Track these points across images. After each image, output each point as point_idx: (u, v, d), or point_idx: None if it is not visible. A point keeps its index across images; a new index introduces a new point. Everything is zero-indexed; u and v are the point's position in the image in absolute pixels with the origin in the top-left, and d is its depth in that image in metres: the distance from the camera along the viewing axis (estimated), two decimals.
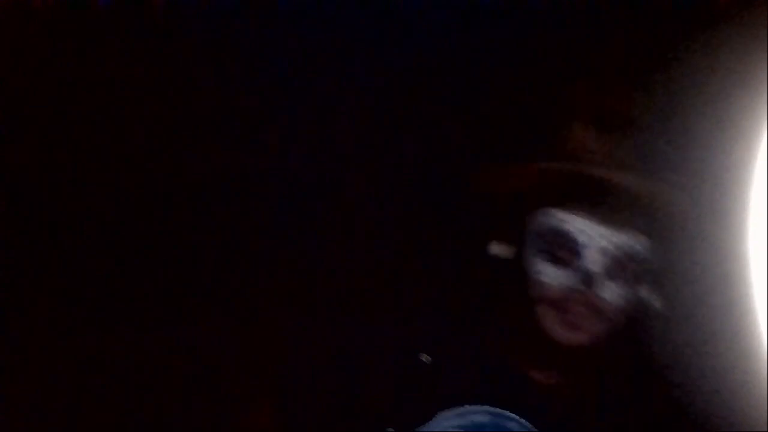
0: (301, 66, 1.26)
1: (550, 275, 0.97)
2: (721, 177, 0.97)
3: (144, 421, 1.16)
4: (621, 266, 0.97)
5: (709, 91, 1.03)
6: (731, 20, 0.97)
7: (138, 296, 1.25)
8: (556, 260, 0.97)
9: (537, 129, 1.05)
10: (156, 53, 1.26)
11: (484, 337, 1.03)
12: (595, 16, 1.16)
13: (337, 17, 1.25)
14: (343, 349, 0.94)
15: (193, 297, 1.25)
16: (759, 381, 0.89)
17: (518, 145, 1.03)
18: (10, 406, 1.17)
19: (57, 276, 1.24)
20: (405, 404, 0.91)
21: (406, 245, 1.26)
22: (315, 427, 0.92)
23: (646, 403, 1.05)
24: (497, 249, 1.01)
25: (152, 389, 1.18)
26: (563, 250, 0.97)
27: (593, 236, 0.96)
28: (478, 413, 0.96)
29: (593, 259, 0.96)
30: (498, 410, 0.96)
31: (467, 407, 0.95)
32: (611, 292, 0.97)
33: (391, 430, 0.90)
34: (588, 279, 0.95)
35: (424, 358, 0.93)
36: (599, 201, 0.97)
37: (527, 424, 0.97)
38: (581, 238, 0.96)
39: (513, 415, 0.97)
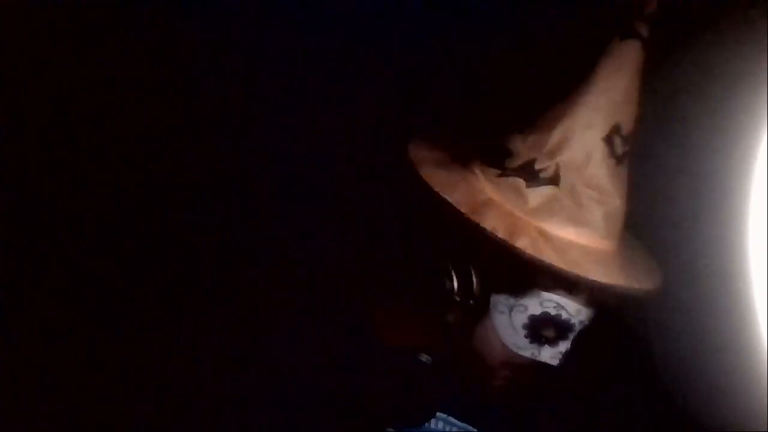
0: (301, 66, 1.26)
1: (527, 350, 0.91)
2: (721, 177, 0.98)
3: (144, 421, 1.16)
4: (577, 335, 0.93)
5: (709, 91, 1.03)
6: (731, 20, 0.97)
7: (138, 296, 1.25)
8: (542, 339, 0.91)
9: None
10: (156, 53, 1.26)
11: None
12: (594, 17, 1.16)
13: (336, 17, 1.25)
14: (343, 348, 0.94)
15: (193, 297, 1.25)
16: (759, 381, 0.89)
17: None
18: (9, 406, 1.17)
19: (57, 276, 1.24)
20: (405, 404, 0.91)
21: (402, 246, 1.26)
22: (315, 427, 0.92)
23: (644, 403, 1.05)
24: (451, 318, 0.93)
25: (152, 389, 1.18)
26: (551, 331, 0.91)
27: (583, 319, 0.91)
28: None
29: (571, 338, 0.91)
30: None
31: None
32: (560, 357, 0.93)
33: (391, 430, 0.90)
34: (557, 356, 0.91)
35: (424, 358, 0.93)
36: (594, 290, 0.89)
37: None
38: (574, 322, 0.91)
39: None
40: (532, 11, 1.20)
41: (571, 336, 0.90)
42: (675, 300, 1.04)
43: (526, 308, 0.90)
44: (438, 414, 0.94)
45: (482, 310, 0.91)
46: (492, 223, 0.84)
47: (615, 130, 0.88)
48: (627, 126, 0.89)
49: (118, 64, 1.25)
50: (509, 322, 0.90)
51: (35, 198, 1.23)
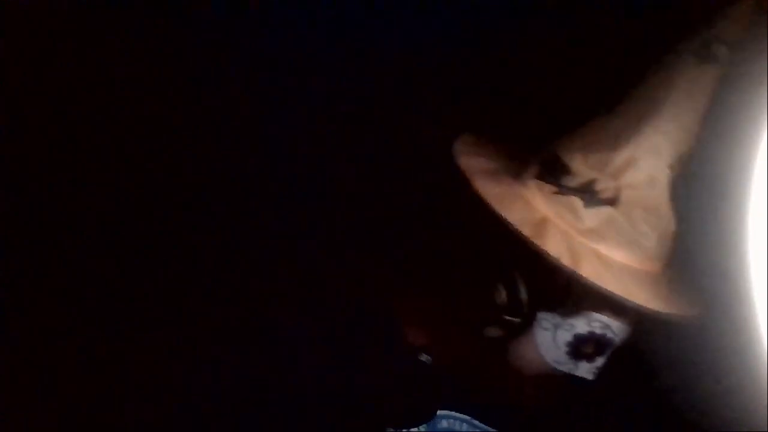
0: (301, 66, 1.26)
1: (565, 365, 0.93)
2: (720, 177, 0.98)
3: (144, 421, 1.16)
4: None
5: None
6: (731, 20, 0.97)
7: (138, 296, 1.25)
8: (581, 356, 0.93)
9: None
10: (156, 52, 1.26)
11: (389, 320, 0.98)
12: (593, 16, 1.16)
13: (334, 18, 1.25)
14: (343, 349, 0.94)
15: (194, 296, 1.25)
16: (759, 381, 0.89)
17: None
18: (9, 406, 1.17)
19: (57, 276, 1.24)
20: (405, 404, 0.91)
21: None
22: (315, 427, 0.92)
23: (644, 403, 1.05)
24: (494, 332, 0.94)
25: (153, 389, 1.18)
26: (592, 347, 0.93)
27: (624, 337, 0.93)
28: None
29: (608, 354, 0.93)
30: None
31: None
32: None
33: (391, 430, 0.90)
34: (590, 372, 0.93)
35: (424, 358, 0.93)
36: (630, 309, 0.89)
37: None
38: (616, 340, 0.93)
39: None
40: (582, 13, 1.20)
41: (609, 351, 0.92)
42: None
43: (572, 327, 0.91)
44: (453, 413, 0.94)
45: (527, 327, 0.91)
46: (555, 249, 0.82)
47: (681, 158, 0.87)
48: (690, 152, 0.89)
49: (117, 63, 1.25)
50: (552, 339, 0.91)
51: (35, 198, 1.23)
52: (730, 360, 0.95)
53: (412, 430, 0.92)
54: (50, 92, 1.23)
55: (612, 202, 0.86)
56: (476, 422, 0.94)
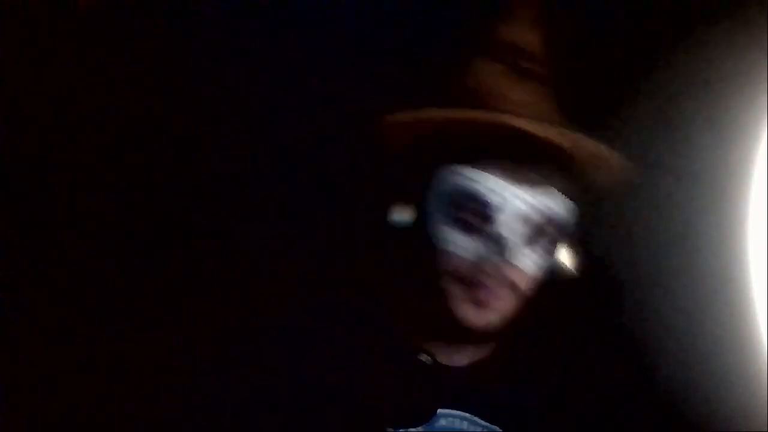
0: (301, 66, 1.26)
1: (458, 244, 0.87)
2: (721, 177, 0.98)
3: (144, 421, 1.16)
4: (539, 231, 0.88)
5: (709, 91, 1.03)
6: (731, 20, 0.97)
7: (137, 296, 1.25)
8: (464, 226, 0.87)
9: (441, 71, 0.97)
10: (156, 53, 1.26)
11: (389, 319, 0.96)
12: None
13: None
14: (343, 348, 0.94)
15: (193, 296, 1.25)
16: (759, 381, 0.89)
17: (420, 89, 0.94)
18: (9, 406, 1.17)
19: (57, 276, 1.24)
20: (405, 404, 0.91)
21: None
22: (315, 427, 0.92)
23: (644, 403, 1.05)
24: (399, 215, 0.91)
25: (153, 389, 1.18)
26: (472, 215, 0.87)
27: (507, 197, 0.86)
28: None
29: (507, 225, 0.86)
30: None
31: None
32: (527, 262, 0.88)
33: (391, 430, 0.90)
34: (500, 247, 0.85)
35: (424, 358, 0.93)
36: (515, 156, 0.87)
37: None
38: (493, 200, 0.86)
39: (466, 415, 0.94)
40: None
41: (503, 220, 0.86)
42: (675, 300, 1.04)
43: (445, 185, 0.88)
44: (452, 411, 0.94)
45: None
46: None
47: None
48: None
49: (117, 64, 1.25)
50: (440, 219, 0.88)
51: (35, 198, 1.23)
52: (730, 360, 0.95)
53: (411, 430, 0.92)
54: (50, 92, 1.23)
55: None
56: (477, 419, 0.94)
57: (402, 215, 0.91)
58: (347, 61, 1.23)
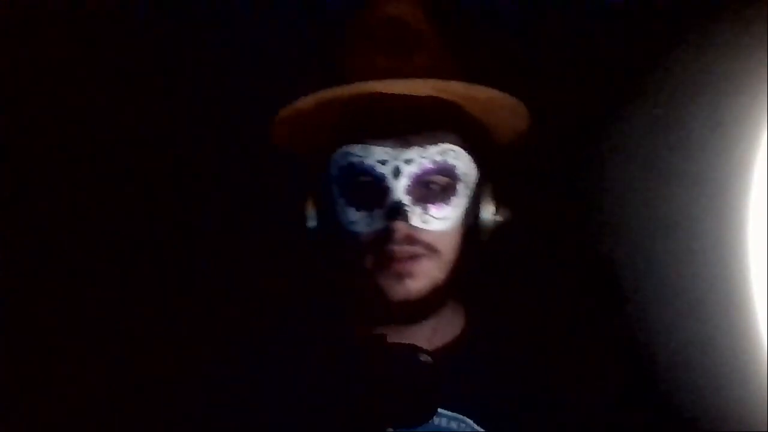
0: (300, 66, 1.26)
1: (362, 222, 0.87)
2: (720, 177, 0.98)
3: (143, 421, 1.16)
4: (442, 188, 0.88)
5: (709, 91, 1.03)
6: (731, 20, 0.97)
7: (137, 297, 1.25)
8: (364, 203, 0.87)
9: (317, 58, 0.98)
10: (156, 53, 1.26)
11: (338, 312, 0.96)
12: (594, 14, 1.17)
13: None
14: (343, 348, 0.94)
15: (192, 296, 1.25)
16: (759, 381, 0.89)
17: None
18: (9, 406, 1.17)
19: (57, 276, 1.24)
20: (405, 404, 0.91)
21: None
22: (315, 427, 0.92)
23: (644, 403, 1.05)
24: (312, 219, 0.91)
25: (152, 389, 1.18)
26: (369, 190, 0.87)
27: (398, 164, 0.86)
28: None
29: (403, 190, 0.86)
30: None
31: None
32: (434, 221, 0.87)
33: (391, 430, 0.90)
34: (401, 214, 0.85)
35: (424, 358, 0.93)
36: (395, 120, 0.87)
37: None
38: (384, 170, 0.86)
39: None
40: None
41: (399, 186, 0.86)
42: (675, 300, 1.04)
43: (337, 169, 0.88)
44: (446, 412, 0.94)
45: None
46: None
47: None
48: None
49: (117, 65, 1.25)
50: (341, 203, 0.88)
51: (35, 198, 1.23)
52: (730, 360, 0.95)
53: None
54: (50, 93, 1.23)
55: None
56: (468, 420, 0.93)
57: (312, 220, 0.91)
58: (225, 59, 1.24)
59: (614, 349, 1.10)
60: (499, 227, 0.93)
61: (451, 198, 0.89)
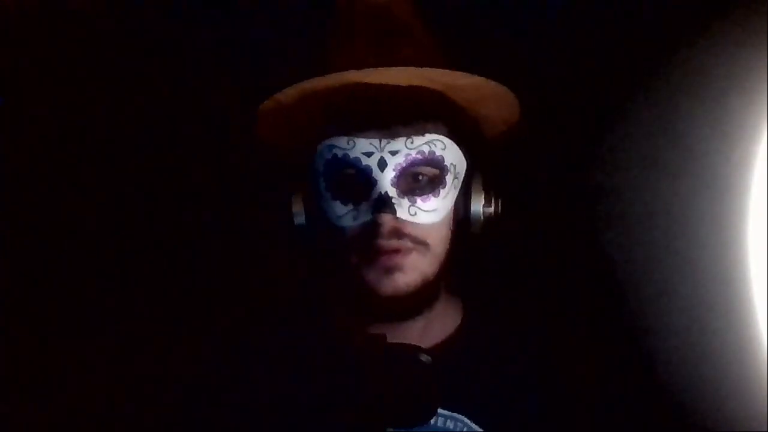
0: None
1: (348, 216, 0.85)
2: (720, 177, 0.98)
3: (142, 421, 1.16)
4: (429, 179, 0.86)
5: (709, 91, 1.03)
6: (731, 20, 0.97)
7: (137, 297, 1.25)
8: (350, 197, 0.85)
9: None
10: (156, 53, 1.26)
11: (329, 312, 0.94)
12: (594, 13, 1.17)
13: None
14: (343, 348, 0.94)
15: (191, 295, 1.25)
16: (759, 381, 0.89)
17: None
18: (10, 406, 1.17)
19: (55, 276, 1.24)
20: (405, 404, 0.91)
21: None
22: (315, 427, 0.92)
23: (644, 403, 1.05)
24: (299, 216, 0.89)
25: (151, 389, 1.18)
26: (354, 183, 0.84)
27: (383, 155, 0.83)
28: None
29: (389, 182, 0.83)
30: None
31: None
32: (421, 213, 0.85)
33: (391, 430, 0.90)
34: (388, 207, 0.82)
35: (424, 358, 0.93)
36: (378, 111, 0.84)
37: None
38: (369, 163, 0.83)
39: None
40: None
41: (384, 178, 0.83)
42: (674, 300, 1.04)
43: (322, 163, 0.86)
44: (442, 411, 0.94)
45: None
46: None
47: None
48: None
49: (117, 65, 1.25)
50: (327, 197, 0.86)
51: (35, 198, 1.23)
52: (730, 360, 0.95)
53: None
54: (50, 93, 1.23)
55: None
56: (465, 419, 0.93)
57: (300, 216, 0.89)
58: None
59: (613, 348, 1.10)
60: (492, 221, 0.91)
61: (440, 189, 0.86)
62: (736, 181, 0.94)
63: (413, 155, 0.84)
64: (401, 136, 0.84)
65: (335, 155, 0.85)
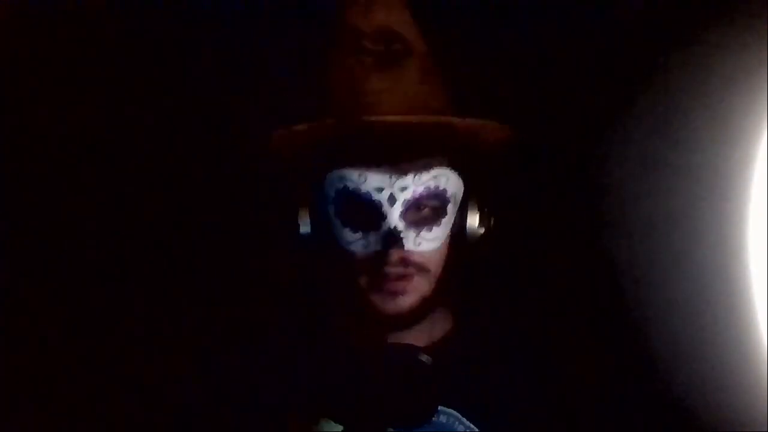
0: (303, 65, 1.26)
1: (357, 243, 0.90)
2: (720, 177, 0.98)
3: (141, 421, 1.16)
4: (433, 212, 0.91)
5: (709, 91, 1.03)
6: (731, 20, 0.97)
7: (137, 295, 1.25)
8: (359, 226, 0.90)
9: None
10: (156, 53, 1.26)
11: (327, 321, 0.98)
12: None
13: None
14: (343, 348, 0.94)
15: (191, 295, 1.25)
16: (759, 381, 0.89)
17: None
18: (9, 406, 1.17)
19: (56, 277, 1.24)
20: (405, 404, 0.91)
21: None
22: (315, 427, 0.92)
23: (644, 403, 1.05)
24: (305, 226, 0.94)
25: (150, 390, 1.18)
26: (364, 215, 0.90)
27: (393, 191, 0.89)
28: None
29: (398, 216, 0.89)
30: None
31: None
32: (426, 243, 0.91)
33: (391, 430, 0.90)
34: (396, 239, 0.88)
35: (424, 358, 0.93)
36: (389, 148, 0.89)
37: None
38: (380, 197, 0.89)
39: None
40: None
41: (394, 212, 0.89)
42: (674, 300, 1.04)
43: (333, 191, 0.90)
44: (446, 410, 0.94)
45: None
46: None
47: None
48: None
49: (116, 66, 1.25)
50: (336, 223, 0.91)
51: (35, 198, 1.23)
52: (730, 360, 0.95)
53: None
54: (49, 94, 1.23)
55: None
56: (459, 416, 0.94)
57: (306, 226, 0.94)
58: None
59: (612, 348, 1.10)
60: (487, 236, 0.97)
61: (441, 219, 0.92)
62: (736, 181, 0.94)
63: (420, 191, 0.90)
64: (410, 172, 0.90)
65: (346, 187, 0.90)
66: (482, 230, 0.96)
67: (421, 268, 0.92)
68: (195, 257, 1.26)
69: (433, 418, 0.92)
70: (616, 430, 1.00)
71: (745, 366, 0.92)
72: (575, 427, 0.97)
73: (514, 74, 1.21)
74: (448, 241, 0.94)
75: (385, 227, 0.89)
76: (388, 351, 0.91)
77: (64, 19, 1.22)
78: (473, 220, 0.96)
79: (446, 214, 0.93)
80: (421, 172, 0.90)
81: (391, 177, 0.89)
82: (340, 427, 0.89)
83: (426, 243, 0.91)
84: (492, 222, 0.97)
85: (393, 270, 0.90)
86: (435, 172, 0.91)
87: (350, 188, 0.90)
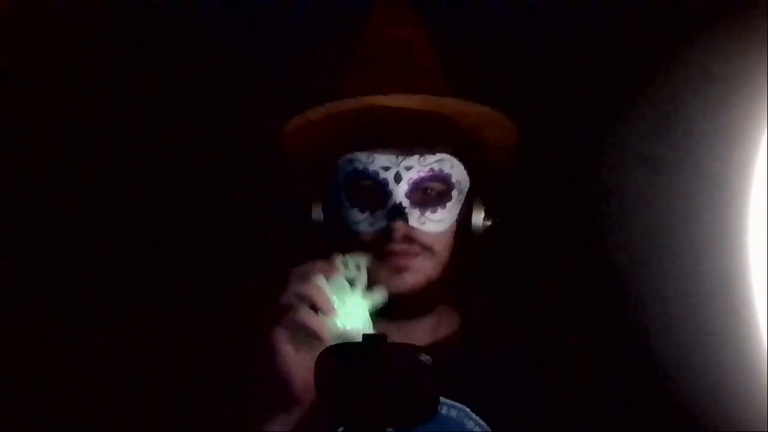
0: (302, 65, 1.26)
1: (364, 222, 0.95)
2: (720, 177, 0.98)
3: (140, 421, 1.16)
4: (438, 194, 0.96)
5: (709, 91, 1.03)
6: (731, 20, 0.97)
7: (137, 294, 1.25)
8: (367, 205, 0.95)
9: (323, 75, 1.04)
10: (156, 53, 1.26)
11: None
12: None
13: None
14: (343, 347, 0.94)
15: (191, 295, 1.25)
16: (759, 381, 0.89)
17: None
18: (9, 406, 1.17)
19: (55, 277, 1.24)
20: (405, 404, 0.91)
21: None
22: (314, 427, 0.92)
23: (644, 403, 1.05)
24: (317, 213, 0.99)
25: (150, 390, 1.18)
26: (372, 193, 0.95)
27: (399, 171, 0.94)
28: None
29: (404, 194, 0.94)
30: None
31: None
32: (430, 224, 0.95)
33: (391, 430, 0.90)
34: (402, 216, 0.93)
35: (424, 358, 0.93)
36: (397, 131, 0.95)
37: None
38: (387, 176, 0.94)
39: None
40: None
41: (400, 190, 0.94)
42: (675, 300, 1.04)
43: (343, 173, 0.96)
44: (445, 400, 0.95)
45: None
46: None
47: None
48: None
49: (118, 64, 1.25)
50: (344, 204, 0.96)
51: (35, 198, 1.23)
52: (730, 359, 0.95)
53: None
54: (50, 94, 1.23)
55: None
56: (466, 409, 0.95)
57: (318, 213, 0.99)
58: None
59: (613, 347, 1.10)
60: (491, 232, 1.01)
61: (446, 203, 0.97)
62: (736, 181, 0.94)
63: (425, 171, 0.96)
64: (415, 154, 0.95)
65: (356, 168, 0.96)
66: (488, 223, 1.00)
67: (426, 248, 0.95)
68: (195, 257, 1.26)
69: (443, 413, 0.94)
70: (616, 429, 1.00)
71: (745, 366, 0.92)
72: (578, 424, 0.97)
73: (515, 74, 1.21)
74: (453, 229, 0.98)
75: (390, 203, 0.94)
76: (388, 351, 0.91)
77: (64, 19, 1.22)
78: (478, 213, 0.99)
79: (451, 199, 0.97)
80: (425, 155, 0.95)
81: (397, 157, 0.95)
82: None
83: (431, 224, 0.95)
84: (497, 219, 1.01)
85: (398, 246, 0.94)
86: (440, 156, 0.96)
87: (359, 168, 0.95)
